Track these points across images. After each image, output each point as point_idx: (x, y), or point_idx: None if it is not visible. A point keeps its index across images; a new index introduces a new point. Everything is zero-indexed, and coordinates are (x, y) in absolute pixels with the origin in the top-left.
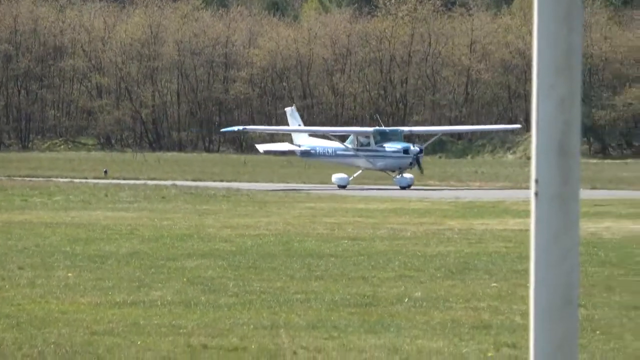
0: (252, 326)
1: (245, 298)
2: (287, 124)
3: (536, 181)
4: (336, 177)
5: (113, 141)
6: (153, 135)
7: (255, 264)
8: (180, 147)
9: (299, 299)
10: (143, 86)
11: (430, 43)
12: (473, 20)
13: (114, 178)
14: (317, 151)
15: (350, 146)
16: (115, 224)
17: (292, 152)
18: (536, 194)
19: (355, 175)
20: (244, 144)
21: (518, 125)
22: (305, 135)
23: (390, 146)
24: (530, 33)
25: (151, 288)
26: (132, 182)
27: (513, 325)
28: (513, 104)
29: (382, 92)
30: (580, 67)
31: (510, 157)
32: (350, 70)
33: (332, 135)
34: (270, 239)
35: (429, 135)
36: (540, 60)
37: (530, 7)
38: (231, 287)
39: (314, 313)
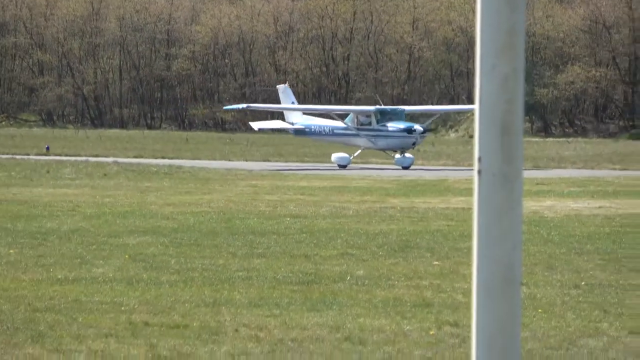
0: (193, 303)
1: (187, 275)
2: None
3: (479, 159)
4: (336, 156)
5: (55, 118)
6: (95, 112)
7: (197, 241)
8: (122, 124)
9: (240, 276)
10: (85, 63)
11: (372, 20)
12: None
13: (55, 154)
14: (313, 129)
15: (350, 125)
16: (57, 200)
17: (285, 130)
18: (479, 172)
19: (355, 154)
20: (186, 121)
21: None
22: (299, 113)
23: (393, 125)
24: (473, 11)
25: (93, 265)
26: (73, 158)
27: (455, 303)
28: (455, 82)
29: (324, 69)
30: (523, 45)
31: (452, 135)
32: (292, 48)
33: (335, 114)
34: (212, 216)
35: (426, 115)
36: (483, 38)
37: None
38: (173, 265)
39: (256, 291)
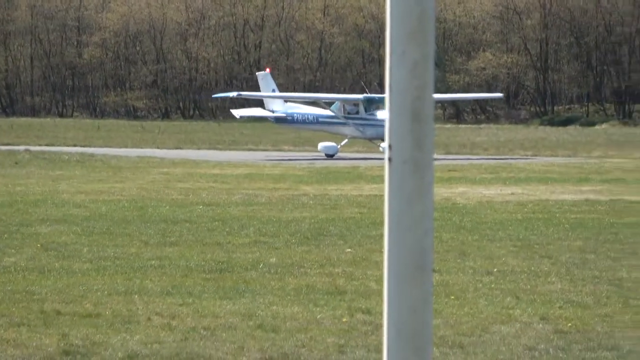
0: (106, 292)
1: (99, 264)
2: (258, 89)
3: (390, 146)
4: (323, 145)
5: None
6: (6, 100)
7: (110, 229)
8: (34, 112)
9: (153, 265)
10: None
11: (283, 7)
12: None
13: None
14: (295, 118)
15: (337, 113)
16: None
17: (265, 118)
18: (390, 159)
19: (342, 143)
20: (98, 109)
21: (500, 95)
22: (281, 100)
23: (382, 114)
24: None
25: (4, 254)
26: None
27: (367, 291)
28: (367, 68)
29: (236, 56)
30: (434, 31)
31: None
32: (204, 35)
33: (324, 102)
34: (124, 205)
35: None
36: (393, 24)
37: None
38: (85, 253)
39: (169, 279)
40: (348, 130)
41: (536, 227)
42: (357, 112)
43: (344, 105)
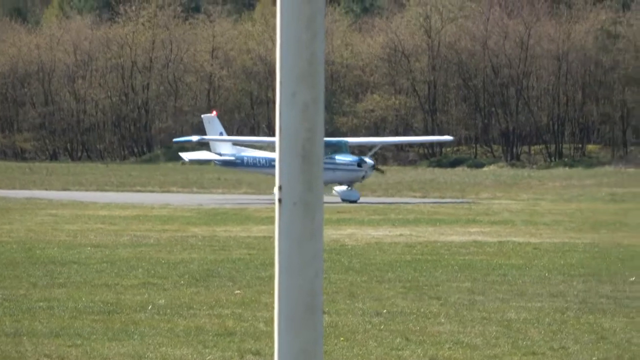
0: None
1: None
2: (205, 133)
3: (280, 188)
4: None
5: None
6: None
7: None
8: None
9: (41, 306)
10: None
11: (171, 49)
12: (214, 26)
13: None
14: (245, 161)
15: None
16: None
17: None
18: (280, 200)
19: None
20: None
21: (450, 138)
22: (228, 144)
23: (341, 158)
24: (272, 40)
25: None
26: None
27: (257, 332)
28: (255, 110)
29: (123, 98)
30: (323, 74)
31: None
32: (91, 77)
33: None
34: (12, 246)
35: (367, 146)
36: (284, 67)
37: (272, 14)
38: None
39: (57, 321)
40: None
41: (425, 268)
42: None
43: None
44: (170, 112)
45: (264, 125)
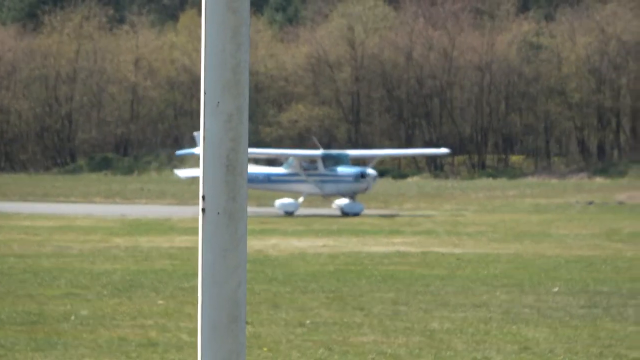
0: None
1: None
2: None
3: (203, 198)
4: (281, 202)
5: None
6: None
7: None
8: None
9: None
10: None
11: (96, 60)
12: (138, 37)
13: None
14: None
15: (290, 171)
16: None
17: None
18: (203, 210)
19: (299, 200)
20: None
21: (447, 150)
22: None
23: (343, 170)
24: (196, 50)
25: None
26: None
27: (180, 342)
28: (179, 120)
29: (47, 108)
30: (247, 83)
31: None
32: (15, 87)
33: (286, 158)
34: None
35: (366, 159)
36: (208, 77)
37: (196, 24)
38: None
39: None
40: (305, 187)
41: (348, 278)
42: (315, 169)
43: (300, 162)
44: (94, 122)
45: (188, 136)
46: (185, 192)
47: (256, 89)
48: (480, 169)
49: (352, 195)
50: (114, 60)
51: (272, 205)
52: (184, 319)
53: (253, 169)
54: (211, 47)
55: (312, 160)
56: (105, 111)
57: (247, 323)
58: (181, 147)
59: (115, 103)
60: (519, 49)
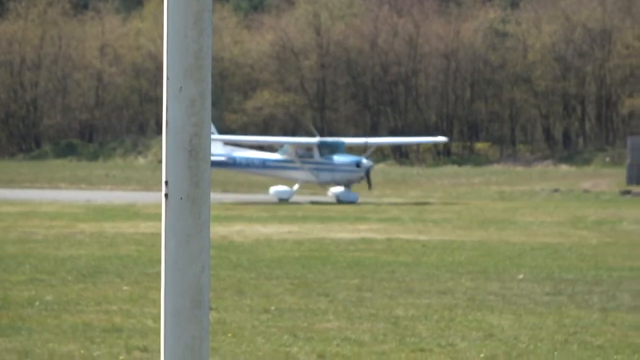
0: None
1: None
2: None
3: (166, 183)
4: (276, 189)
5: None
6: None
7: None
8: None
9: None
10: None
11: (61, 46)
12: (104, 23)
13: None
14: (238, 162)
15: (285, 157)
16: None
17: None
18: (166, 195)
19: (294, 188)
20: None
21: (445, 139)
22: (220, 143)
23: (339, 159)
24: (161, 37)
25: None
26: None
27: (145, 328)
28: (144, 107)
29: (12, 94)
30: (210, 69)
31: (141, 160)
32: None
33: (278, 145)
34: None
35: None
36: (170, 62)
37: (161, 11)
38: None
39: None
40: (300, 175)
41: (313, 265)
42: (311, 157)
43: (296, 150)
44: (59, 109)
45: (152, 122)
46: (149, 178)
47: (221, 76)
48: (445, 156)
49: (347, 184)
50: (79, 47)
51: (267, 193)
52: (149, 304)
53: (249, 153)
54: (173, 32)
55: (308, 148)
56: (70, 97)
57: (212, 309)
58: (145, 134)
59: (80, 89)
60: (485, 36)
